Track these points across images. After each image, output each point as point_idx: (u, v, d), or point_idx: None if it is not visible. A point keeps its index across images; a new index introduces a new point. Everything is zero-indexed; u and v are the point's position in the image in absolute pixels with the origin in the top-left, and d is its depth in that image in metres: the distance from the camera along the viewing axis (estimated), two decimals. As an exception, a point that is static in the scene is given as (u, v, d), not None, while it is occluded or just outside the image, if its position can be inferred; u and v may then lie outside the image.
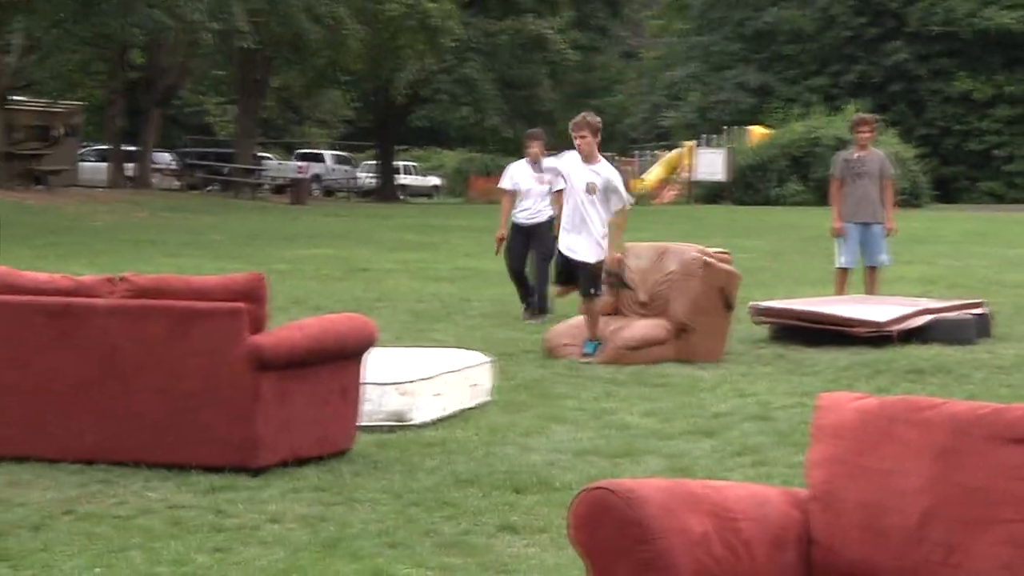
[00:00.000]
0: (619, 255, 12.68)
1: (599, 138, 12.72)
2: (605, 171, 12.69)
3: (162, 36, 46.96)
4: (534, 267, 15.70)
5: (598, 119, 12.90)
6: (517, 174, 15.68)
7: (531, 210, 15.67)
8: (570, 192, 12.71)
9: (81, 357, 8.09)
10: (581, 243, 12.64)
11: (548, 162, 14.13)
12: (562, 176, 13.01)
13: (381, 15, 52.62)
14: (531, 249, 15.68)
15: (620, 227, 12.77)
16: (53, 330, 8.12)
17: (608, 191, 12.59)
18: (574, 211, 12.65)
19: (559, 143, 68.15)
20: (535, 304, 15.63)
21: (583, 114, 13.08)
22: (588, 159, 12.62)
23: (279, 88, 66.13)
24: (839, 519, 4.04)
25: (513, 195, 15.63)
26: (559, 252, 12.94)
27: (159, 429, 8.01)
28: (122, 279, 8.24)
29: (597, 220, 12.61)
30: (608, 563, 3.85)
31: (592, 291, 12.65)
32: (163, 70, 54.86)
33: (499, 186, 16.29)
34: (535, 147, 15.44)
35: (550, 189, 15.24)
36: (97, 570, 6.16)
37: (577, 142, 12.60)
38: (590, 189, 12.54)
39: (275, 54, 55.30)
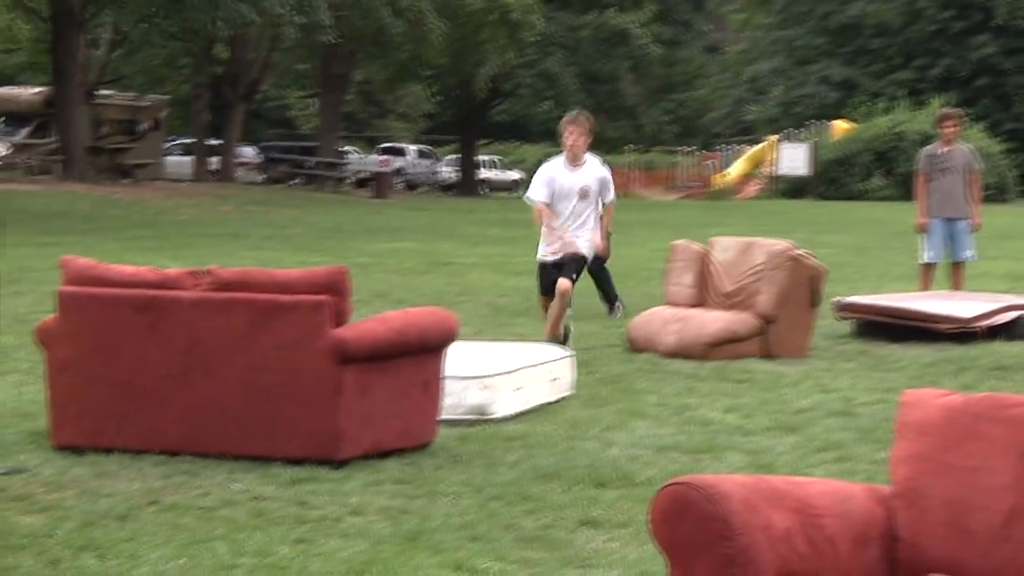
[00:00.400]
0: (604, 244, 13.19)
1: (590, 138, 12.46)
2: (595, 171, 12.53)
3: (246, 31, 47.30)
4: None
5: (593, 121, 12.64)
6: None
7: None
8: (561, 199, 12.34)
9: (166, 349, 8.16)
10: (580, 241, 12.47)
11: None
12: (546, 186, 12.40)
13: (462, 9, 52.73)
14: None
15: (610, 217, 13.24)
16: (139, 322, 8.20)
17: (602, 190, 12.56)
18: (569, 218, 12.38)
19: (638, 137, 67.54)
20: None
21: (580, 111, 12.85)
22: (575, 160, 12.38)
23: (361, 82, 66.39)
24: (924, 516, 4.01)
25: None
26: (544, 264, 12.64)
27: (242, 421, 8.06)
28: (206, 272, 8.31)
29: (592, 220, 12.57)
30: (689, 559, 3.83)
31: (574, 276, 12.53)
32: (247, 65, 55.23)
33: None
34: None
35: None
36: (182, 560, 6.21)
37: (570, 140, 12.26)
38: (584, 194, 12.35)
39: (357, 48, 55.52)
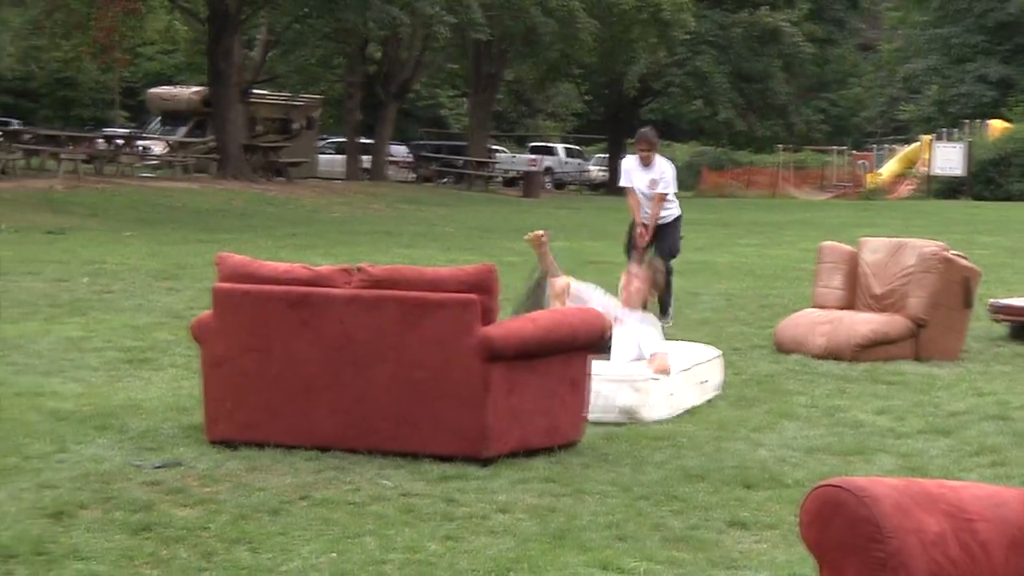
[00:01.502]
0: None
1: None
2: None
3: (399, 31, 47.71)
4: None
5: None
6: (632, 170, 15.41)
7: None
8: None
9: (318, 345, 8.26)
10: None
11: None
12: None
13: (614, 8, 52.70)
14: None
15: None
16: (292, 319, 8.30)
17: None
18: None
19: (789, 136, 66.89)
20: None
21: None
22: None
23: (512, 81, 66.65)
24: (1081, 523, 3.93)
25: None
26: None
27: (392, 418, 8.13)
28: (358, 269, 8.39)
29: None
30: (839, 561, 3.80)
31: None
32: (400, 64, 55.68)
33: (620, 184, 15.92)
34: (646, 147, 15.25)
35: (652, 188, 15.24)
36: (333, 555, 6.28)
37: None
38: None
39: (508, 48, 55.72)
